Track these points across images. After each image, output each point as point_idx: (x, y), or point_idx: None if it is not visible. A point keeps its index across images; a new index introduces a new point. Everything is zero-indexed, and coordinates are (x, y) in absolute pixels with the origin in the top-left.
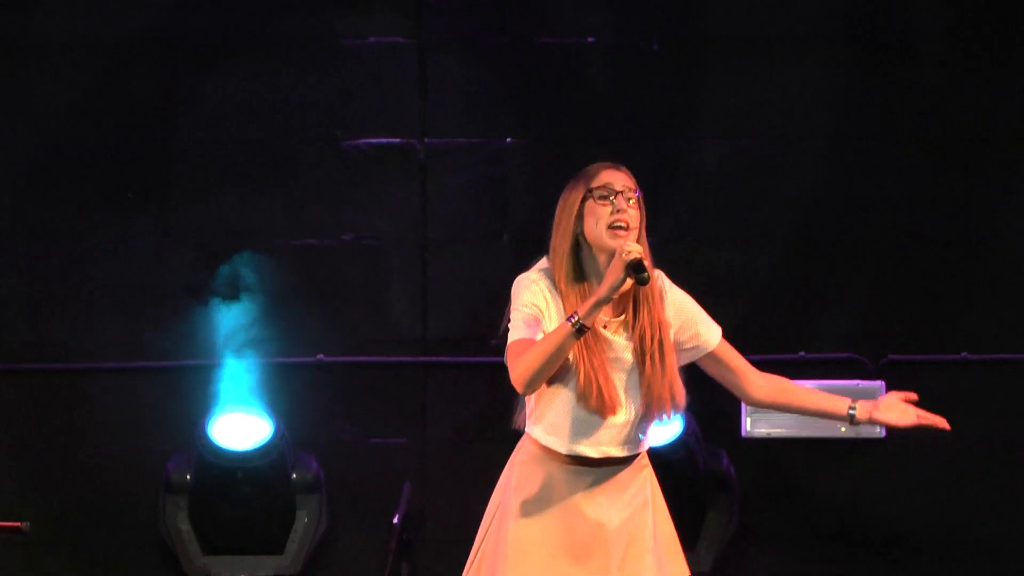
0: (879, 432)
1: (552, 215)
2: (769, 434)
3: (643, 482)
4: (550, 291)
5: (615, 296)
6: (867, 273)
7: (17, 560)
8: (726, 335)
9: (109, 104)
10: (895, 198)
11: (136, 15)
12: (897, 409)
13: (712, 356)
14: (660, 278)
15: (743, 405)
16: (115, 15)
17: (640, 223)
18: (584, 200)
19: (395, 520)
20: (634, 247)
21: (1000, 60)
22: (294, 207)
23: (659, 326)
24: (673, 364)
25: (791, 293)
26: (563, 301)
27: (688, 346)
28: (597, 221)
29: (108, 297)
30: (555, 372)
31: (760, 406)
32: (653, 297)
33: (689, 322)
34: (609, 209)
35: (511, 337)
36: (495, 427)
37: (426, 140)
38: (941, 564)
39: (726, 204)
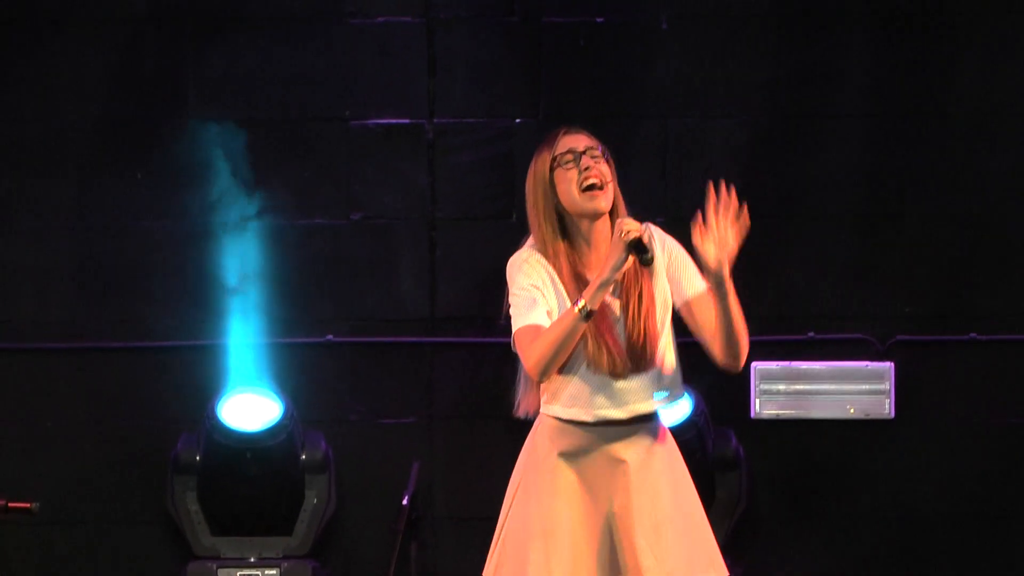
0: (888, 413)
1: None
2: (778, 415)
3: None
4: (544, 264)
5: (618, 276)
6: (876, 253)
7: (26, 540)
8: None
9: (115, 81)
10: (902, 176)
11: None
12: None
13: (688, 307)
14: (649, 229)
15: (752, 386)
16: None
17: (612, 177)
18: (552, 170)
19: (404, 500)
20: (632, 225)
21: (998, 34)
22: (303, 186)
23: (641, 274)
24: (650, 313)
25: (799, 273)
26: (557, 271)
27: (675, 278)
28: (569, 187)
29: (116, 276)
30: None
31: (727, 366)
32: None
33: (679, 261)
34: (576, 171)
35: (516, 324)
36: (503, 406)
37: (435, 119)
38: (950, 544)
39: (736, 183)
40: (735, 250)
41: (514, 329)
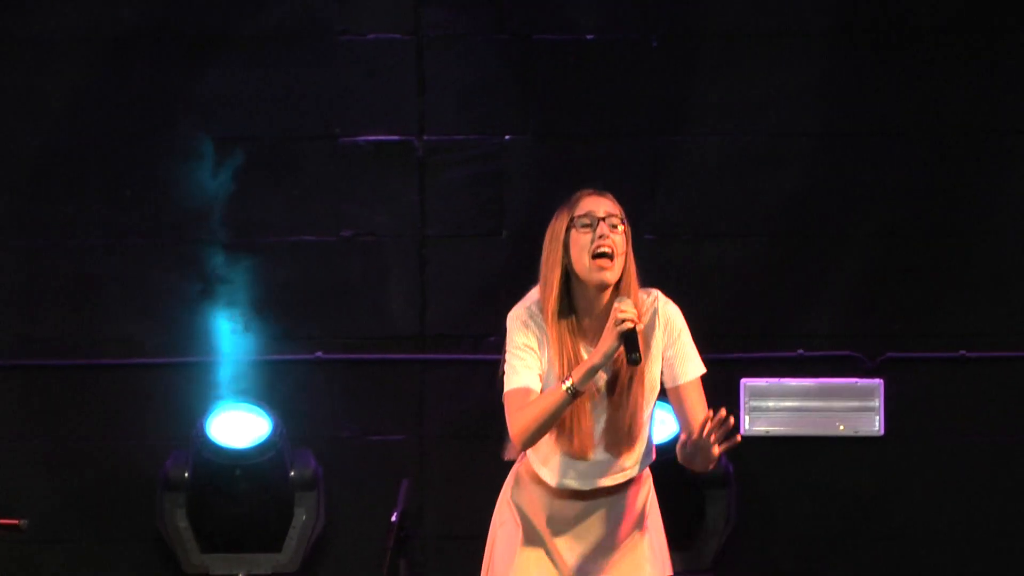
0: (878, 430)
1: (548, 217)
2: (768, 432)
3: (638, 501)
4: (542, 327)
5: (605, 363)
6: (865, 270)
7: (15, 558)
8: (726, 332)
9: (105, 99)
10: (892, 194)
11: (132, 10)
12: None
13: (676, 391)
14: (654, 297)
15: (741, 403)
16: (111, 9)
17: (627, 249)
18: (568, 230)
19: (393, 517)
20: (628, 313)
21: (995, 51)
22: (292, 203)
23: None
24: (640, 399)
25: (789, 290)
26: (555, 336)
27: (670, 360)
28: (581, 251)
29: (105, 293)
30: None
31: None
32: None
33: (678, 343)
34: (591, 237)
35: (508, 384)
36: (493, 424)
37: (424, 137)
38: (939, 561)
39: (724, 200)
40: (710, 464)
41: (505, 388)
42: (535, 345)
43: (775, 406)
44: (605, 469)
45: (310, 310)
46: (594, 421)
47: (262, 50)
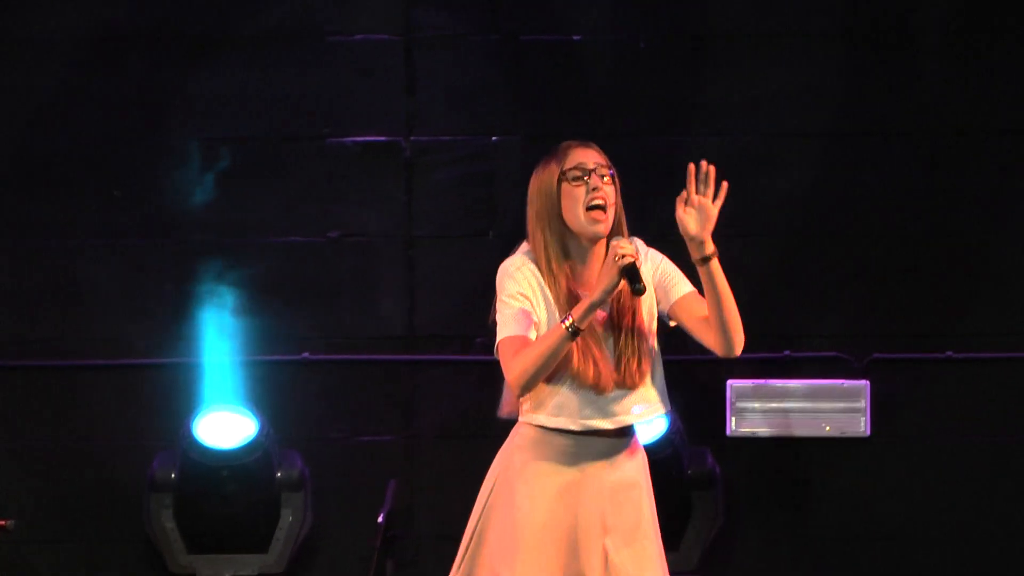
0: (864, 431)
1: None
2: (754, 433)
3: (642, 467)
4: (536, 275)
5: (609, 298)
6: (852, 271)
7: (2, 559)
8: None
9: (95, 100)
10: (879, 196)
11: (121, 10)
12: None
13: (677, 305)
14: (635, 243)
15: (728, 404)
16: (100, 10)
17: (617, 198)
18: (559, 183)
19: (380, 518)
20: (627, 248)
21: (990, 54)
22: (280, 204)
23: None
24: (642, 330)
25: (775, 292)
26: (550, 284)
27: (661, 284)
28: (574, 204)
29: (94, 294)
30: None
31: (725, 354)
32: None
33: (665, 270)
34: (584, 189)
35: (501, 333)
36: (481, 424)
37: (413, 137)
38: (926, 562)
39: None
40: (714, 221)
41: (499, 337)
42: (528, 291)
43: (761, 407)
44: (624, 404)
45: (298, 310)
46: (608, 351)
47: (251, 51)
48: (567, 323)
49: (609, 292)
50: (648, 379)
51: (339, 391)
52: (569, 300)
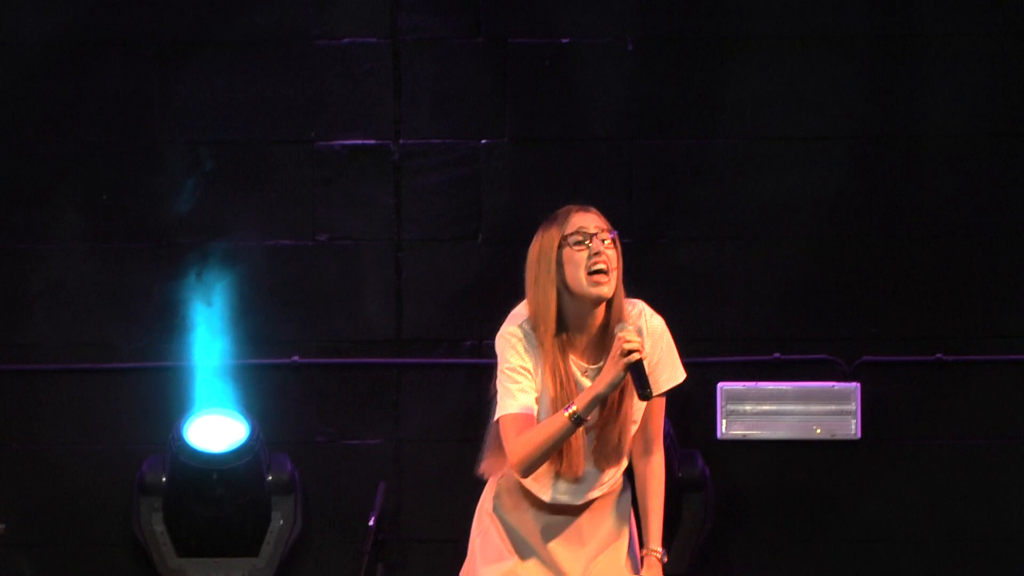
0: (855, 434)
1: (525, 220)
2: (745, 435)
3: (623, 503)
4: (533, 348)
5: (610, 392)
6: (842, 274)
7: None
8: (701, 338)
9: (79, 103)
10: (868, 199)
11: (107, 14)
12: None
13: (649, 404)
14: (639, 310)
15: (718, 407)
16: (85, 13)
17: (619, 262)
18: (560, 248)
19: (370, 521)
20: (633, 340)
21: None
22: (268, 208)
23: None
24: (629, 412)
25: (765, 294)
26: (547, 355)
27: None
28: (576, 268)
29: (81, 297)
30: None
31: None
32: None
33: (658, 356)
34: (586, 254)
35: (504, 408)
36: (469, 427)
37: (400, 140)
38: (915, 565)
39: (700, 204)
40: None
41: (500, 412)
42: (530, 366)
43: (752, 410)
44: (594, 483)
45: (286, 314)
46: (585, 440)
47: (239, 54)
48: (570, 411)
49: (615, 387)
50: (625, 457)
51: (328, 394)
52: (565, 372)
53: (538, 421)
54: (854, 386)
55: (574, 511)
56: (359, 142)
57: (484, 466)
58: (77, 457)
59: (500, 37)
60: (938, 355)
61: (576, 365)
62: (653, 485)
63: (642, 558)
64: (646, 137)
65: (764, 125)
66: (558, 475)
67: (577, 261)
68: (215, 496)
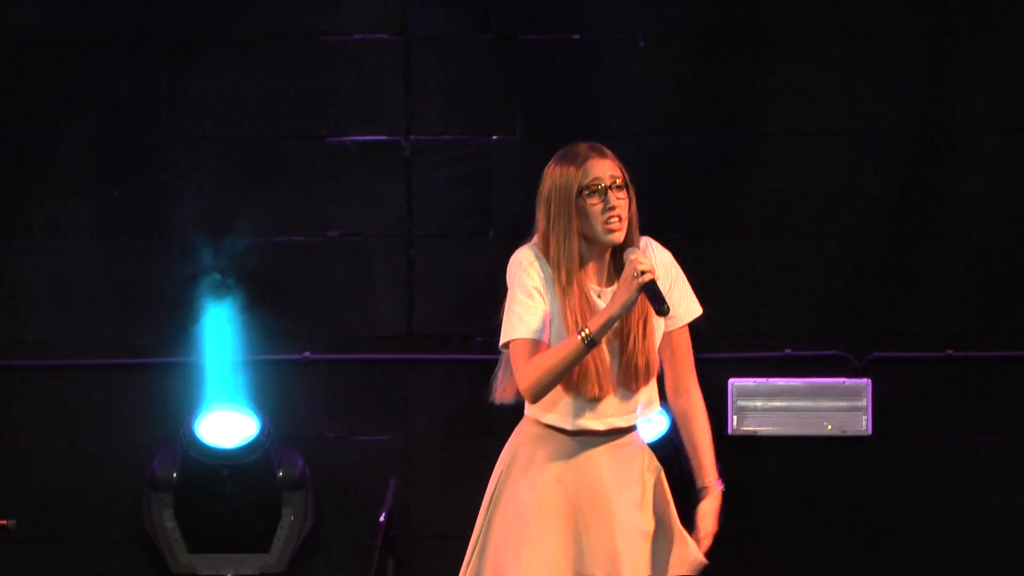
0: (865, 430)
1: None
2: (755, 431)
3: (646, 460)
4: (546, 272)
5: (623, 314)
6: (851, 270)
7: (2, 558)
8: (712, 334)
9: (91, 100)
10: (879, 194)
11: (115, 11)
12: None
13: (669, 336)
14: (645, 242)
15: (729, 402)
16: (96, 10)
17: (631, 207)
18: (578, 194)
19: (381, 517)
20: (645, 263)
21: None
22: (279, 204)
23: (644, 300)
24: (652, 335)
25: (776, 290)
26: (561, 285)
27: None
28: (592, 219)
29: (94, 293)
30: None
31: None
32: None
33: (673, 285)
34: (601, 207)
35: (514, 332)
36: (480, 423)
37: (411, 137)
38: (928, 560)
39: (711, 201)
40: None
41: (509, 336)
42: (542, 287)
43: (763, 406)
44: (617, 407)
45: (297, 310)
46: (611, 364)
47: (249, 50)
48: (583, 334)
49: (627, 308)
50: (652, 381)
51: (339, 390)
52: (581, 304)
53: (550, 343)
54: (865, 382)
55: (596, 436)
56: (369, 138)
57: (497, 391)
58: (87, 453)
59: (511, 34)
60: (949, 351)
61: (590, 288)
62: (697, 422)
63: (700, 490)
64: (656, 134)
65: (773, 122)
66: (582, 397)
67: (593, 214)
68: (226, 492)
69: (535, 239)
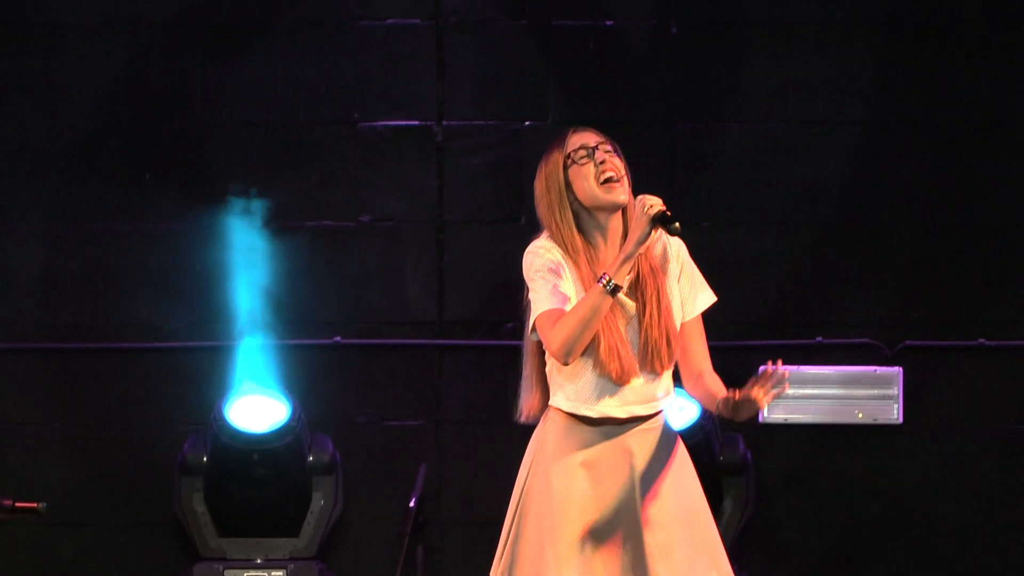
0: (897, 418)
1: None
2: (787, 419)
3: (674, 446)
4: (562, 254)
5: (642, 250)
6: (884, 258)
7: (32, 541)
8: (743, 322)
9: (126, 86)
10: (911, 184)
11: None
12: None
13: (682, 326)
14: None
15: None
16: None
17: (626, 171)
18: (566, 168)
19: (411, 502)
20: (654, 199)
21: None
22: (311, 189)
23: (656, 274)
24: (669, 311)
25: (808, 279)
26: (575, 265)
27: (681, 290)
28: (586, 181)
29: (125, 277)
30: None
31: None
32: (649, 248)
33: (687, 273)
34: (591, 166)
35: (537, 308)
36: (509, 409)
37: (443, 122)
38: (958, 550)
39: (743, 189)
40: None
41: (535, 313)
42: (558, 268)
43: (794, 394)
44: (637, 393)
45: (329, 295)
46: (630, 335)
47: (283, 36)
48: (604, 280)
49: (641, 243)
50: (670, 369)
51: (369, 375)
52: (593, 279)
53: None
54: (896, 370)
55: (619, 424)
56: (402, 123)
57: (523, 409)
58: (119, 437)
59: (544, 19)
60: (980, 340)
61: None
62: (715, 385)
63: (728, 396)
64: (689, 121)
65: (808, 110)
66: (606, 382)
67: (585, 174)
68: (256, 476)
69: (544, 234)
